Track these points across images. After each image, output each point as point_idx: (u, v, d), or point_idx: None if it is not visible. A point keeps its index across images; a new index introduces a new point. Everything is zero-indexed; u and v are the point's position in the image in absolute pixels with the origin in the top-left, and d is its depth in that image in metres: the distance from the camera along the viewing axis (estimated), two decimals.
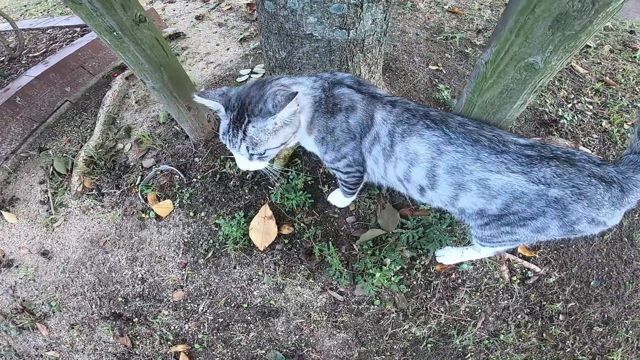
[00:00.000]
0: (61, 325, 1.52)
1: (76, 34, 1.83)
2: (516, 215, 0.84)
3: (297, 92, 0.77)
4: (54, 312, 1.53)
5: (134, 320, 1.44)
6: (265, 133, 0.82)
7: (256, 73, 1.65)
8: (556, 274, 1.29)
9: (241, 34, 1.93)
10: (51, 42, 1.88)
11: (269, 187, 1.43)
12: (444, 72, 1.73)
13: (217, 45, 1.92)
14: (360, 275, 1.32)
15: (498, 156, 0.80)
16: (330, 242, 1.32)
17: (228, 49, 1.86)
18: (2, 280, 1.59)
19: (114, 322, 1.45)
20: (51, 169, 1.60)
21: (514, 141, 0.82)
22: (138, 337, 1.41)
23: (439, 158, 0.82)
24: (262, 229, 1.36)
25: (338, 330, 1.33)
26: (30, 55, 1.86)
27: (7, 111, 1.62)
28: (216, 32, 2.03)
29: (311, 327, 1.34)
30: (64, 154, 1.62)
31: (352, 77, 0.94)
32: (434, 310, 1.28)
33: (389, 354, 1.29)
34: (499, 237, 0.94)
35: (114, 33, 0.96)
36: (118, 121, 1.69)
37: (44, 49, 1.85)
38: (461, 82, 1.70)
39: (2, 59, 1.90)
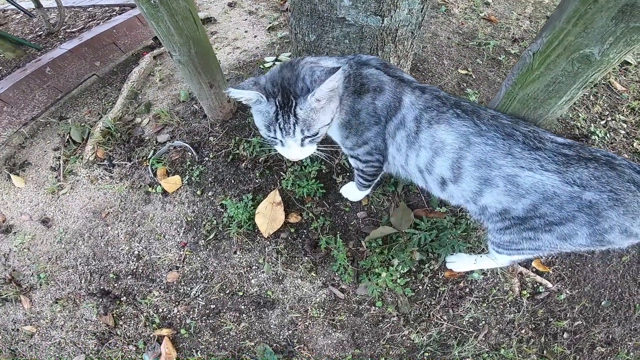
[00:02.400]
0: (45, 299, 1.51)
1: (114, 13, 2.01)
2: (543, 219, 0.81)
3: (339, 67, 0.78)
4: (41, 285, 1.54)
5: (122, 299, 1.43)
6: (314, 111, 0.82)
7: (280, 61, 1.74)
8: (568, 291, 1.29)
9: (270, 22, 2.06)
10: (90, 19, 2.07)
11: (281, 172, 1.45)
12: (474, 77, 1.77)
13: (245, 32, 2.04)
14: (365, 273, 1.30)
15: (532, 152, 0.78)
16: (337, 235, 1.31)
17: (255, 37, 1.98)
18: None
19: (101, 300, 1.44)
20: (67, 137, 1.68)
21: (551, 139, 0.80)
22: (122, 317, 1.39)
23: (467, 149, 0.82)
24: (269, 214, 1.36)
25: (334, 329, 1.29)
26: (68, 30, 2.04)
27: (35, 80, 1.76)
28: (246, 19, 2.17)
29: (306, 323, 1.30)
30: (83, 124, 1.71)
31: (377, 58, 0.97)
32: (436, 317, 1.26)
33: (383, 359, 1.25)
34: (518, 243, 0.91)
35: (151, 1, 1.05)
36: (140, 97, 1.78)
37: (82, 26, 2.03)
38: (491, 88, 1.73)
39: (40, 33, 2.09)
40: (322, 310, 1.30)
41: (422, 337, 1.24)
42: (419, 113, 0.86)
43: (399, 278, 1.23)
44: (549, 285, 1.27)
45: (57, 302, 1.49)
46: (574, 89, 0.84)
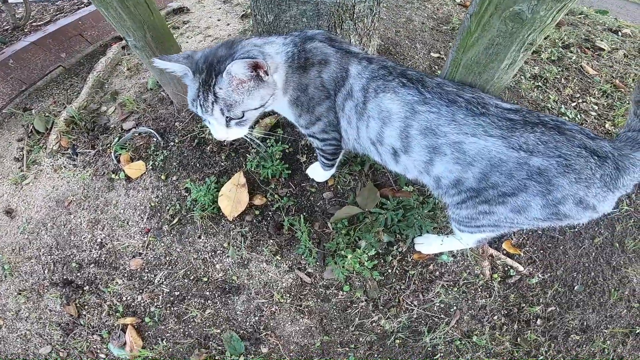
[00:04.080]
0: (9, 291, 1.52)
1: (83, 5, 2.05)
2: (495, 189, 0.83)
3: (258, 57, 0.79)
4: (5, 277, 1.55)
5: (85, 288, 1.44)
6: (237, 92, 0.82)
7: None
8: (540, 275, 1.28)
9: (244, 11, 2.10)
10: (58, 12, 2.10)
11: (247, 155, 1.48)
12: (446, 60, 1.82)
13: (218, 20, 2.08)
14: (332, 256, 1.30)
15: (475, 118, 0.80)
16: (302, 216, 1.32)
17: (228, 24, 2.02)
18: None
19: (63, 290, 1.45)
20: (31, 128, 1.70)
21: (496, 104, 0.82)
22: (85, 307, 1.40)
23: (412, 118, 0.84)
24: (233, 197, 1.38)
25: (302, 316, 1.30)
26: (35, 24, 2.07)
27: None
28: (220, 8, 2.21)
29: (273, 309, 1.31)
30: (47, 114, 1.73)
31: (322, 32, 0.99)
32: (406, 303, 1.26)
33: (353, 346, 1.26)
34: (477, 219, 0.93)
35: None
36: (106, 86, 1.81)
37: (49, 19, 2.06)
38: None
39: (7, 27, 2.12)
40: (288, 295, 1.31)
41: (392, 323, 1.24)
42: (365, 83, 0.89)
43: (367, 261, 1.22)
44: (520, 268, 1.27)
45: (20, 294, 1.50)
46: (513, 51, 0.88)
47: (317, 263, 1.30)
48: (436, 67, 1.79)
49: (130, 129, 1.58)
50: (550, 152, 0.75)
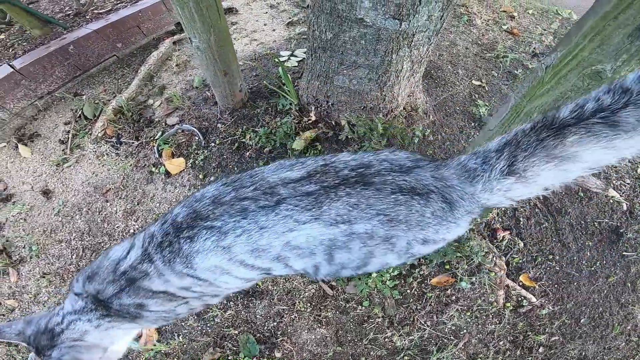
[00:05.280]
0: (33, 273, 1.57)
1: None
2: (349, 267, 0.77)
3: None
4: (31, 258, 1.60)
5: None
6: None
7: (296, 56, 1.83)
8: (550, 307, 1.34)
9: (290, 18, 2.18)
10: (118, 1, 2.24)
11: None
12: (487, 89, 1.83)
13: (264, 25, 2.17)
14: None
15: (277, 213, 0.71)
16: None
17: (274, 30, 2.10)
18: None
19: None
20: (80, 113, 1.79)
21: (284, 181, 0.73)
22: None
23: (230, 254, 0.75)
24: None
25: (319, 325, 1.33)
26: (96, 11, 2.21)
27: (57, 57, 1.90)
28: (267, 12, 2.31)
29: (292, 316, 1.34)
30: (96, 101, 1.83)
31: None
32: (420, 322, 1.31)
33: (364, 359, 1.29)
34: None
35: None
36: (155, 80, 1.90)
37: (110, 7, 2.19)
38: (502, 102, 1.77)
39: (70, 12, 2.27)
40: (309, 304, 1.34)
41: (404, 340, 1.30)
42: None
43: (389, 280, 1.32)
44: (533, 299, 1.33)
45: (44, 277, 1.54)
46: None
47: (341, 279, 1.34)
48: (476, 95, 1.81)
49: (174, 125, 1.64)
50: (366, 215, 0.68)
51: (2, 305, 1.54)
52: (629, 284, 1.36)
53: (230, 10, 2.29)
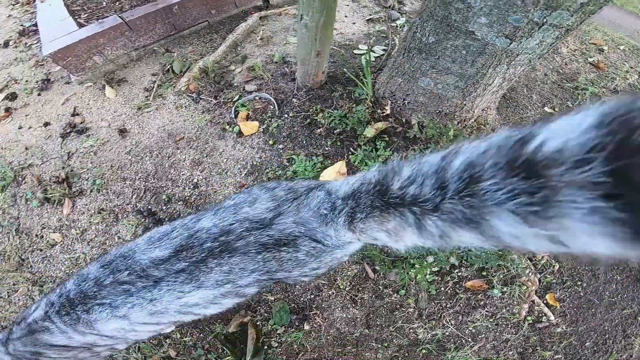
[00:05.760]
0: (88, 208, 1.63)
1: None
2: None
3: None
4: (91, 191, 1.69)
5: (164, 224, 1.55)
6: None
7: (374, 52, 1.89)
8: (564, 327, 1.39)
9: (370, 15, 2.26)
10: None
11: (351, 148, 1.54)
12: None
13: (345, 16, 2.26)
14: (401, 261, 1.39)
15: (159, 288, 0.76)
16: None
17: (354, 23, 2.18)
18: (64, 144, 1.85)
19: (144, 219, 1.57)
20: (169, 67, 1.95)
21: (154, 263, 0.77)
22: None
23: (130, 322, 0.80)
24: (329, 179, 1.43)
25: (353, 305, 1.36)
26: None
27: (162, 14, 2.08)
28: (348, 5, 2.40)
29: (330, 292, 1.36)
30: (184, 59, 1.98)
31: None
32: (446, 320, 1.37)
33: (386, 345, 1.33)
34: None
35: None
36: (239, 49, 2.03)
37: None
38: None
39: None
40: (349, 283, 1.37)
41: (427, 334, 1.36)
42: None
43: (428, 274, 1.36)
44: (552, 318, 1.40)
45: (99, 213, 1.61)
46: None
47: (387, 264, 1.39)
48: None
49: (252, 92, 1.74)
50: (244, 273, 0.73)
51: (44, 238, 1.59)
52: (639, 318, 1.45)
53: None
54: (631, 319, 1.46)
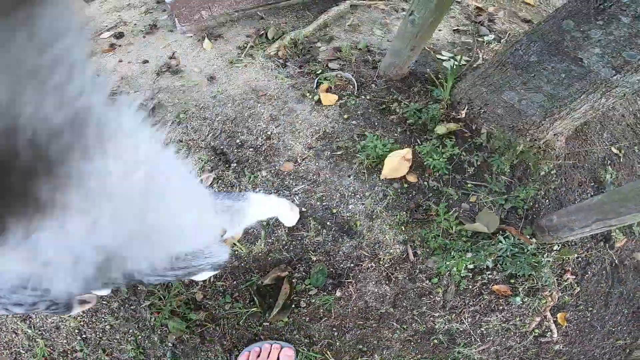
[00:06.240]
0: (166, 137, 1.87)
1: None
2: None
3: None
4: (172, 123, 1.88)
5: (232, 165, 1.69)
6: None
7: (455, 60, 1.97)
8: (561, 346, 1.43)
9: (457, 26, 2.35)
10: None
11: (419, 140, 1.64)
12: (622, 160, 1.82)
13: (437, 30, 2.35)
14: (443, 250, 1.46)
15: None
16: (444, 206, 1.50)
17: (440, 30, 2.28)
18: (157, 80, 2.07)
19: (214, 157, 1.73)
20: (262, 32, 2.14)
21: None
22: (219, 181, 1.64)
23: None
24: (396, 163, 1.54)
25: (387, 282, 1.44)
26: None
27: None
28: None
29: (369, 265, 1.45)
30: (278, 28, 2.16)
31: None
32: (464, 316, 1.43)
33: (405, 327, 1.41)
34: None
35: None
36: (327, 30, 2.19)
37: None
38: (630, 177, 1.78)
39: None
40: (389, 261, 1.45)
41: (444, 325, 1.42)
42: None
43: (463, 269, 1.42)
44: (555, 335, 1.44)
45: (175, 143, 1.82)
46: None
47: (428, 249, 1.47)
48: (609, 161, 1.80)
49: (335, 69, 1.89)
50: None
51: None
52: (627, 350, 1.48)
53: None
54: (620, 350, 1.51)
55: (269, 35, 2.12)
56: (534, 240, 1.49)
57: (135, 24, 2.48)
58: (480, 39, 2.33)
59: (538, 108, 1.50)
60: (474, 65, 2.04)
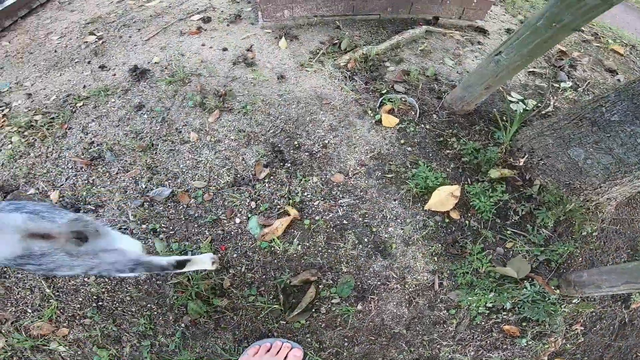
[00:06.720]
0: (230, 123, 1.88)
1: None
2: None
3: None
4: (238, 112, 1.97)
5: (286, 165, 1.78)
6: None
7: (525, 105, 1.96)
8: None
9: (534, 67, 2.33)
10: None
11: (469, 179, 1.68)
12: None
13: None
14: (467, 285, 1.52)
15: None
16: (480, 247, 1.55)
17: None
18: (232, 69, 2.22)
19: (270, 153, 1.81)
20: (336, 41, 2.25)
21: None
22: (272, 176, 1.71)
23: None
24: (443, 198, 1.59)
25: (407, 305, 1.50)
26: None
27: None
28: None
29: (395, 287, 1.52)
30: (351, 40, 2.26)
31: None
32: (469, 349, 1.48)
33: (412, 349, 1.46)
34: None
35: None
36: (398, 51, 2.25)
37: None
38: None
39: None
40: (415, 286, 1.52)
41: (448, 355, 1.47)
42: None
43: (482, 306, 1.47)
44: None
45: (239, 132, 1.87)
46: None
47: (453, 282, 1.53)
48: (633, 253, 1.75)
49: (400, 92, 1.95)
50: None
51: (182, 133, 1.86)
52: None
53: (482, 31, 2.51)
54: None
55: (342, 46, 2.21)
56: (557, 291, 1.53)
57: (222, 11, 2.67)
58: (555, 84, 2.27)
59: (602, 170, 1.48)
60: (543, 112, 2.01)
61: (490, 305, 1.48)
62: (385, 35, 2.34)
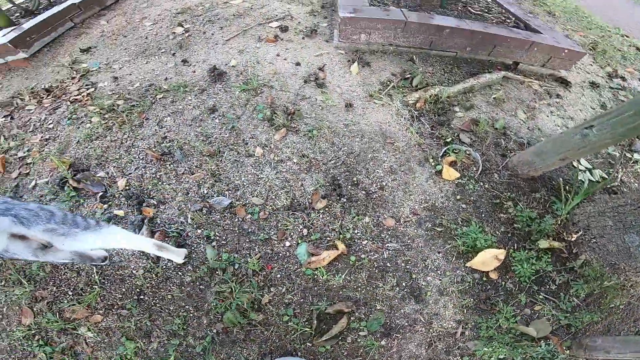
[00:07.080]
0: (295, 146, 1.95)
1: (506, 20, 2.46)
2: None
3: None
4: (304, 135, 2.02)
5: (342, 200, 1.83)
6: None
7: (592, 175, 1.92)
8: None
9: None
10: (485, 10, 2.61)
11: (516, 245, 1.74)
12: None
13: (584, 119, 2.28)
14: (487, 338, 1.61)
15: None
16: (509, 308, 1.63)
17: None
18: (302, 87, 2.29)
19: (328, 185, 1.86)
20: (409, 75, 2.27)
21: None
22: (328, 208, 1.79)
23: None
24: (487, 258, 1.68)
25: (426, 347, 1.60)
26: (475, 11, 2.61)
27: (432, 30, 2.29)
28: (595, 109, 2.40)
29: (419, 329, 1.63)
30: (423, 76, 2.26)
31: None
32: None
33: None
34: None
35: None
36: (470, 95, 2.24)
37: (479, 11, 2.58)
38: None
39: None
40: (440, 333, 1.62)
41: None
42: None
43: (495, 357, 1.54)
44: None
45: (301, 157, 1.92)
46: None
47: (475, 334, 1.61)
48: None
49: (465, 144, 1.98)
50: None
51: (248, 145, 1.94)
52: None
53: (564, 82, 2.39)
54: None
55: (414, 82, 2.23)
56: (567, 351, 1.61)
57: (299, 22, 2.74)
58: (629, 155, 2.15)
59: None
60: (609, 186, 1.95)
61: (502, 357, 1.55)
62: (459, 76, 2.32)
